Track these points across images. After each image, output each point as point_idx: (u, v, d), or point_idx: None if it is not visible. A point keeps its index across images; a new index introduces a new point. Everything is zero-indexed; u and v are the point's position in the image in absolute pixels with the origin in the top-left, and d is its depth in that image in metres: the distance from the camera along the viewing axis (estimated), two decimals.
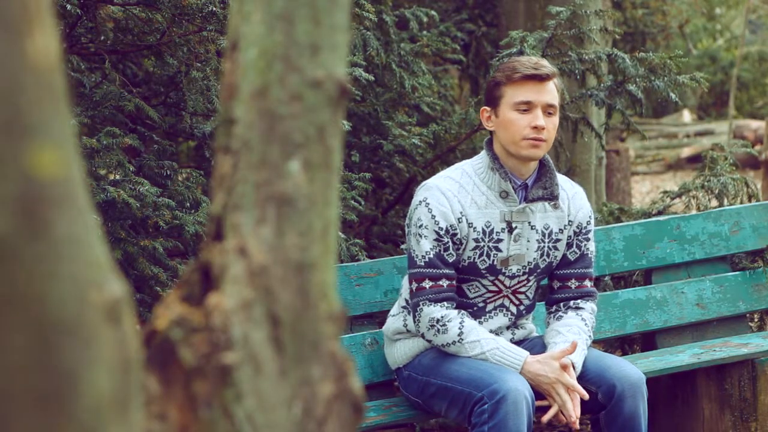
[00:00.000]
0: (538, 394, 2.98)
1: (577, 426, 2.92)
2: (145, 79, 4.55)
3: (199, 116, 3.89)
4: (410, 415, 3.24)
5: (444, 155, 4.65)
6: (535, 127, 3.01)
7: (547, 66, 3.07)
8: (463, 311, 3.06)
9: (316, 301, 1.29)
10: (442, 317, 3.02)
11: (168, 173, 3.63)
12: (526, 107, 3.04)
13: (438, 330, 3.03)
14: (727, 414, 3.55)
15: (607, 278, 4.04)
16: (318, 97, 1.29)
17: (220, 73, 3.64)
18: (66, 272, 1.02)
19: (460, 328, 3.01)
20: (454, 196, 3.06)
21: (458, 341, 3.02)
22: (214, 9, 3.48)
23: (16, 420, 0.99)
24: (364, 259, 3.75)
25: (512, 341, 3.18)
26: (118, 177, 3.41)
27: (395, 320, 3.22)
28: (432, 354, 3.12)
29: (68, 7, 3.43)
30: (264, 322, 1.25)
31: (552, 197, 3.10)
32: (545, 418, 2.94)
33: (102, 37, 3.75)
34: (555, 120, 3.07)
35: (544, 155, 3.12)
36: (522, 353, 2.99)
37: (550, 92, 3.05)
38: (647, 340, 3.84)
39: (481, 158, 3.13)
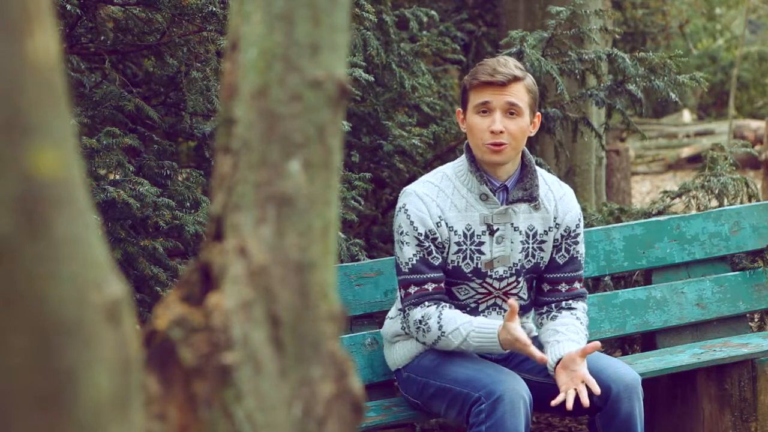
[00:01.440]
0: (537, 396, 2.98)
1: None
2: (145, 79, 4.54)
3: (199, 116, 3.88)
4: (410, 415, 3.24)
5: (444, 155, 4.65)
6: (493, 132, 3.00)
7: (507, 71, 3.01)
8: (444, 304, 3.04)
9: (316, 301, 1.29)
10: (422, 317, 3.02)
11: (168, 173, 3.63)
12: (485, 109, 3.02)
13: (423, 330, 3.03)
14: (727, 414, 3.54)
15: (607, 278, 4.04)
16: (318, 97, 1.29)
17: (220, 73, 3.64)
18: (66, 272, 1.02)
19: (438, 322, 3.00)
20: (432, 201, 3.05)
21: (441, 335, 3.01)
22: (214, 9, 3.47)
23: (16, 420, 0.99)
24: (364, 259, 3.75)
25: None
26: (118, 177, 3.41)
27: (393, 323, 3.21)
28: (431, 355, 3.11)
29: (68, 7, 3.42)
30: (264, 322, 1.25)
31: (531, 198, 3.09)
32: (554, 402, 2.91)
33: (102, 37, 3.75)
34: (520, 121, 3.02)
35: (527, 155, 3.11)
36: (494, 326, 2.94)
37: (514, 93, 3.01)
38: (647, 340, 3.84)
39: (462, 161, 3.12)
